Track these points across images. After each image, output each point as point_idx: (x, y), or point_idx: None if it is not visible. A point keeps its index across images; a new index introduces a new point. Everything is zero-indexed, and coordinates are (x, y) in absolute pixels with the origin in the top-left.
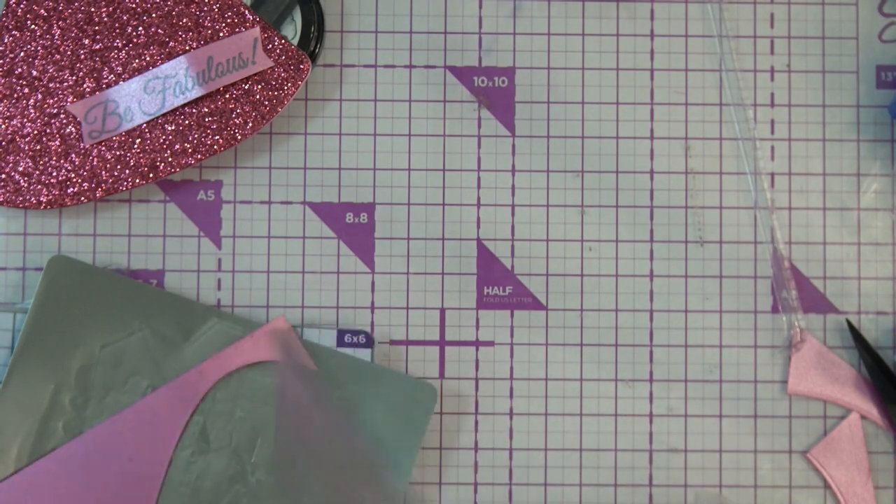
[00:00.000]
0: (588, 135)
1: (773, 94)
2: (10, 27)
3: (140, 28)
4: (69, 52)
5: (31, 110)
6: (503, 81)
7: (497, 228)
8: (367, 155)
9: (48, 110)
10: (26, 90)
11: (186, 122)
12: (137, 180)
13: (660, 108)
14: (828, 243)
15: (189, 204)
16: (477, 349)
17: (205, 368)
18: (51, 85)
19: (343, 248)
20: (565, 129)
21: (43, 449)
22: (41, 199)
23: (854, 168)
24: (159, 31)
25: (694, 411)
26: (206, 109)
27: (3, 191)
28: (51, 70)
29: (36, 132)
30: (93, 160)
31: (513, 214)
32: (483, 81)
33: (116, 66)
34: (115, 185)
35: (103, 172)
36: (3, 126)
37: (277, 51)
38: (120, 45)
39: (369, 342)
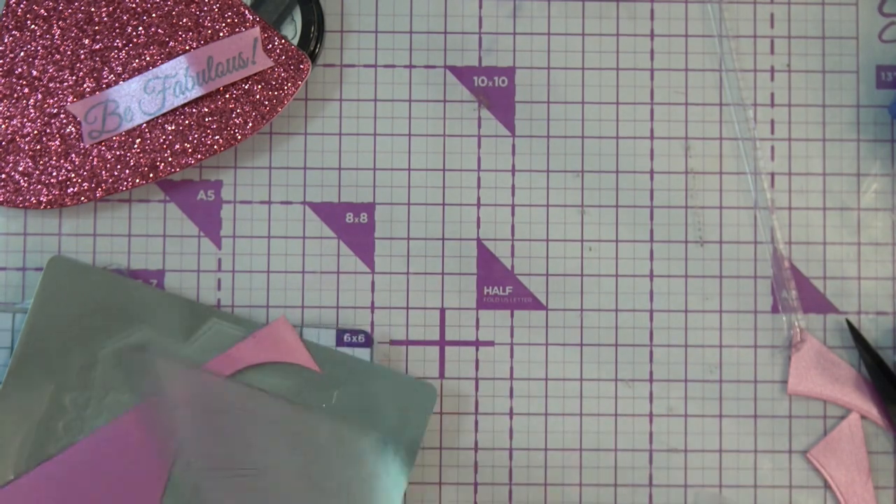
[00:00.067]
0: (588, 135)
1: (773, 94)
2: (10, 27)
3: (140, 28)
4: (69, 52)
5: (31, 110)
6: (503, 81)
7: (497, 228)
8: (367, 155)
9: (48, 110)
10: (26, 90)
11: (186, 122)
12: (137, 180)
13: (660, 108)
14: (828, 243)
15: (189, 204)
16: (477, 349)
17: (209, 369)
18: (51, 85)
19: (343, 248)
20: (565, 129)
21: (43, 449)
22: (41, 199)
23: (854, 168)
24: (159, 31)
25: (694, 411)
26: (206, 109)
27: (3, 191)
28: (51, 70)
29: (36, 132)
30: (93, 160)
31: (513, 214)
32: (483, 81)
33: (116, 66)
34: (115, 185)
35: (103, 172)
36: (3, 126)
37: (277, 51)
38: (120, 45)
39: (368, 342)
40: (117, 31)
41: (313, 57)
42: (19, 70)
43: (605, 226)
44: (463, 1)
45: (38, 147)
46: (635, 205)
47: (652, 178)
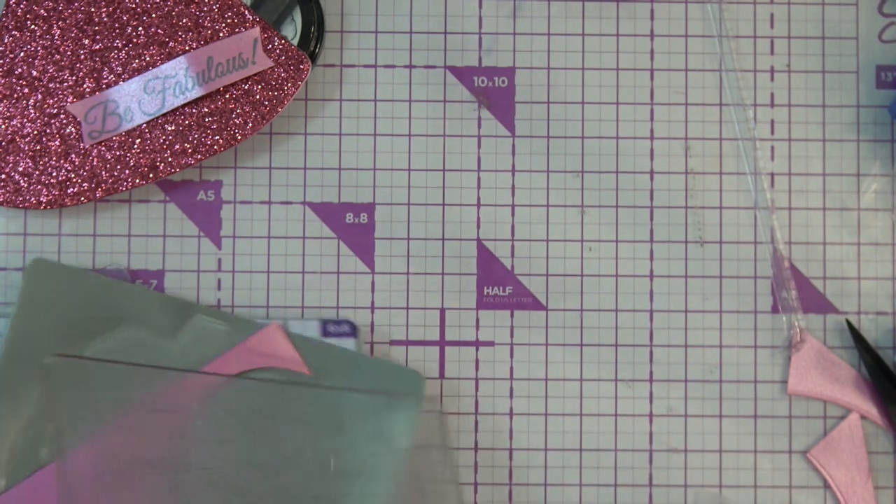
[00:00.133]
0: (588, 135)
1: (773, 94)
2: (10, 27)
3: (140, 28)
4: (69, 53)
5: (31, 110)
6: (503, 81)
7: (497, 228)
8: (367, 155)
9: (48, 110)
10: (26, 90)
11: (186, 122)
12: (137, 180)
13: (660, 108)
14: (828, 243)
15: (189, 204)
16: (477, 349)
17: (208, 370)
18: (51, 85)
19: (343, 248)
20: (565, 129)
21: (32, 452)
22: (41, 199)
23: (854, 168)
24: (159, 31)
25: (694, 411)
26: (206, 109)
27: (3, 191)
28: (51, 70)
29: (36, 132)
30: (93, 160)
31: (513, 214)
32: (483, 81)
33: (116, 66)
34: (115, 186)
35: (103, 172)
36: (3, 126)
37: (277, 51)
38: (120, 45)
39: (353, 331)
40: (117, 31)
41: (313, 57)
42: (19, 70)
43: (605, 226)
44: (463, 1)
45: (38, 147)
46: (635, 205)
47: (652, 179)
